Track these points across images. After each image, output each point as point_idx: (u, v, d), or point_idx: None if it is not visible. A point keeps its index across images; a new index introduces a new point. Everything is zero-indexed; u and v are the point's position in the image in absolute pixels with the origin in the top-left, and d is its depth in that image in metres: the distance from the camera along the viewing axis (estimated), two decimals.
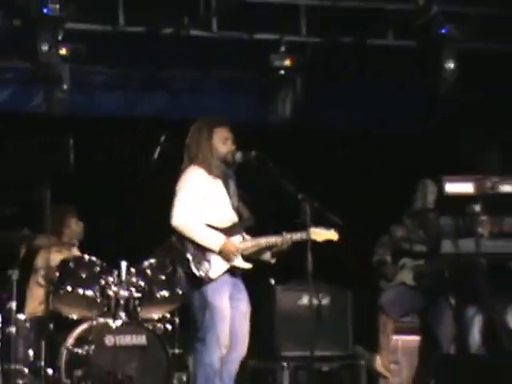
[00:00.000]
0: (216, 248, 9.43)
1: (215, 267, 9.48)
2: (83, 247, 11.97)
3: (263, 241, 9.64)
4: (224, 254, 9.44)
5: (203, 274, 9.45)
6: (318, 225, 9.52)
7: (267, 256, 9.71)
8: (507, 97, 11.74)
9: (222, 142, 9.63)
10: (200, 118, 9.86)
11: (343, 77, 12.81)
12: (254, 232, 9.65)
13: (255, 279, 9.95)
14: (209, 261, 9.49)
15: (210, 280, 9.45)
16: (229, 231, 9.57)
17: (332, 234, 9.56)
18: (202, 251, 9.50)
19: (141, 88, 13.09)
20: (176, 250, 10.01)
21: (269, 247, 9.66)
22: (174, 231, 9.62)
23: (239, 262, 9.56)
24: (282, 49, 12.01)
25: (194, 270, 9.50)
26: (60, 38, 10.66)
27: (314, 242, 9.47)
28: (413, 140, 11.82)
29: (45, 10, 10.31)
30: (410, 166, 11.27)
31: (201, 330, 9.52)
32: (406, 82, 11.77)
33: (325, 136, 12.72)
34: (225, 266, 9.50)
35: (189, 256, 9.44)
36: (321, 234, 9.52)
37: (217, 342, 9.37)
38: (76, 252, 11.83)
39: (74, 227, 11.99)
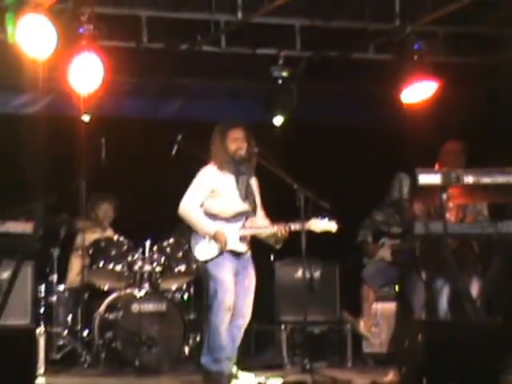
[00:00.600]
0: (209, 235, 9.42)
1: (211, 249, 9.49)
2: (115, 228, 12.02)
3: (261, 229, 9.63)
4: (216, 240, 9.41)
5: (199, 254, 9.54)
6: (314, 213, 9.53)
7: (272, 242, 9.66)
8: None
9: (233, 141, 9.57)
10: (219, 123, 9.79)
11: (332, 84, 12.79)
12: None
13: (258, 257, 9.90)
14: (203, 243, 9.52)
15: (206, 261, 9.49)
16: (231, 219, 9.53)
17: (331, 226, 9.55)
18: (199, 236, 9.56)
19: (161, 94, 13.10)
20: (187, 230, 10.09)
21: (270, 235, 9.62)
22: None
23: (235, 246, 9.50)
24: (280, 62, 11.97)
25: (195, 250, 9.57)
26: None
27: (312, 233, 9.53)
28: (387, 140, 11.73)
29: (80, 30, 10.18)
30: (388, 162, 11.20)
31: (208, 298, 9.52)
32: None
33: (317, 133, 12.70)
34: (218, 249, 9.45)
35: (192, 239, 9.57)
36: (320, 225, 9.53)
37: (219, 307, 9.38)
38: (108, 233, 11.89)
39: (106, 212, 12.08)
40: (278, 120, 12.35)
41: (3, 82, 12.31)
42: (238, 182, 9.64)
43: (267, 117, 12.25)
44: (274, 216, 9.78)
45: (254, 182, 9.80)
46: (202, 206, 9.57)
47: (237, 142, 9.59)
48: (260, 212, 9.82)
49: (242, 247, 9.57)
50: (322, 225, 9.55)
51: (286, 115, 12.33)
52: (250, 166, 9.72)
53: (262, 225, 9.71)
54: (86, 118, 11.76)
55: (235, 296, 9.45)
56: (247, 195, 9.68)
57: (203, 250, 9.46)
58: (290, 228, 9.53)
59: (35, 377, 7.94)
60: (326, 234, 9.66)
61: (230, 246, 9.47)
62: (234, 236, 9.51)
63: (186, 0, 11.02)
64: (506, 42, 11.88)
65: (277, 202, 9.84)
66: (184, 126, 11.13)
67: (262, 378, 9.59)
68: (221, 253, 9.45)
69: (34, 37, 9.79)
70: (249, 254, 9.70)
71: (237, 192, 9.62)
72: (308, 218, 9.52)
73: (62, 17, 10.06)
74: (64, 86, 10.77)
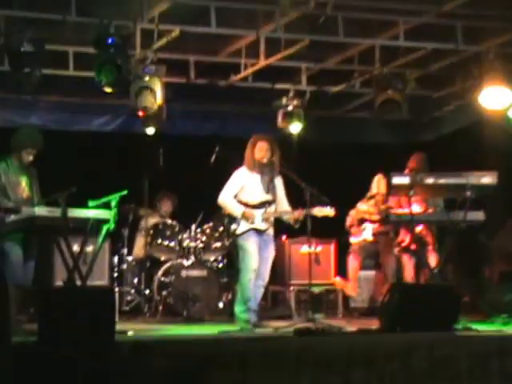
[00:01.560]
0: (239, 215, 9.58)
1: (242, 227, 9.61)
2: (170, 214, 12.09)
3: (281, 214, 9.81)
4: (244, 218, 9.56)
5: (233, 230, 9.69)
6: (318, 204, 9.66)
7: (292, 223, 9.80)
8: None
9: (259, 151, 9.72)
10: (253, 136, 9.89)
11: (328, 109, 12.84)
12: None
13: (275, 236, 10.06)
14: (238, 223, 9.65)
15: (239, 234, 9.63)
16: (257, 206, 9.67)
17: (330, 212, 9.68)
18: (234, 218, 9.70)
19: (204, 117, 13.13)
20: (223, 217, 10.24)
21: (289, 218, 9.78)
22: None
23: (259, 225, 9.64)
24: (291, 93, 12.00)
25: (231, 228, 9.74)
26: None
27: (315, 217, 9.67)
28: (370, 150, 11.80)
29: (146, 70, 10.28)
30: (369, 166, 11.27)
31: (238, 263, 9.72)
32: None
33: (322, 145, 12.63)
34: (247, 226, 9.60)
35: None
36: (322, 211, 9.65)
37: (246, 269, 9.55)
38: (166, 219, 11.91)
39: (167, 206, 12.18)
40: (295, 127, 12.19)
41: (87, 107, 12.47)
42: (262, 179, 9.76)
43: (283, 132, 12.17)
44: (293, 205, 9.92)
45: (278, 181, 9.90)
46: (235, 196, 9.71)
47: (261, 151, 9.71)
48: (283, 201, 9.91)
49: (264, 226, 9.68)
50: (324, 211, 9.67)
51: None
52: (273, 168, 9.80)
53: (282, 210, 9.83)
54: (150, 130, 11.80)
55: (258, 263, 9.60)
56: (269, 189, 9.78)
57: (236, 227, 9.67)
58: (301, 213, 9.72)
59: (114, 322, 8.05)
60: (325, 218, 9.71)
61: (255, 225, 9.63)
62: (259, 218, 9.66)
63: (222, 47, 11.03)
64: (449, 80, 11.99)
65: (291, 196, 9.96)
66: (220, 141, 11.27)
67: None
68: (248, 230, 9.60)
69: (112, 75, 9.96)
70: (270, 232, 9.80)
71: (261, 186, 9.75)
72: (314, 206, 9.63)
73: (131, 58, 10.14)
74: (131, 109, 10.80)
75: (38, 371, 7.03)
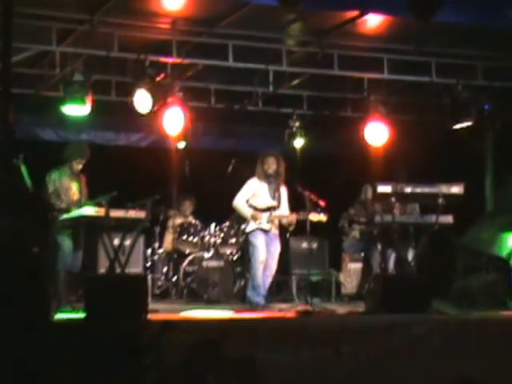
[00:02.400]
0: (248, 216, 9.61)
1: (250, 226, 9.65)
2: (194, 216, 12.02)
3: (282, 217, 9.80)
4: (252, 219, 9.58)
5: (243, 228, 9.78)
6: (314, 211, 9.63)
7: (286, 225, 9.89)
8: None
9: (267, 164, 9.73)
10: (261, 152, 9.94)
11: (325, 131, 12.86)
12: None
13: (281, 235, 10.07)
14: (248, 223, 9.68)
15: (248, 232, 9.67)
16: (264, 209, 9.68)
17: (323, 218, 9.66)
18: (245, 219, 9.74)
19: (222, 135, 13.09)
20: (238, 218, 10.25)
21: (286, 221, 9.79)
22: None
23: (264, 225, 9.65)
24: (295, 117, 11.97)
25: (242, 227, 9.74)
26: None
27: (311, 221, 9.65)
28: (359, 165, 11.77)
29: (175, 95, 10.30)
30: (358, 178, 11.24)
31: (249, 256, 9.74)
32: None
33: (317, 159, 12.68)
34: (255, 226, 9.62)
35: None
36: (316, 217, 9.62)
37: (256, 261, 9.56)
38: (189, 219, 11.87)
39: (188, 207, 12.07)
40: (298, 143, 12.15)
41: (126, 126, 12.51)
42: (269, 188, 9.76)
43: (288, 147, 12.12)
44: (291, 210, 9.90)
45: (283, 190, 9.89)
46: (247, 201, 9.71)
47: (269, 164, 9.73)
48: (284, 207, 9.88)
49: (268, 226, 9.68)
50: (318, 217, 9.65)
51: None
52: (279, 179, 9.80)
53: (280, 214, 9.80)
54: (181, 144, 11.66)
55: (266, 257, 9.61)
56: (275, 196, 9.77)
57: (246, 227, 9.68)
58: (298, 217, 9.73)
59: (147, 303, 8.09)
60: (320, 222, 9.76)
61: (262, 226, 9.63)
62: (264, 219, 9.66)
63: (238, 78, 11.03)
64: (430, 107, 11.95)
65: (292, 202, 9.96)
66: (235, 155, 11.27)
67: None
68: (256, 229, 9.61)
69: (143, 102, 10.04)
70: (275, 232, 9.78)
71: (268, 194, 9.76)
72: (309, 212, 9.58)
73: (162, 87, 10.16)
74: (162, 129, 10.85)
75: (84, 343, 7.07)
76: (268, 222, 9.68)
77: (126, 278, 8.61)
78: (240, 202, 9.75)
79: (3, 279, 5.39)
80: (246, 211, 9.68)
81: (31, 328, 5.73)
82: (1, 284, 5.37)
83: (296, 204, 9.83)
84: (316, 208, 9.65)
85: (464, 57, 10.49)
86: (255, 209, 9.68)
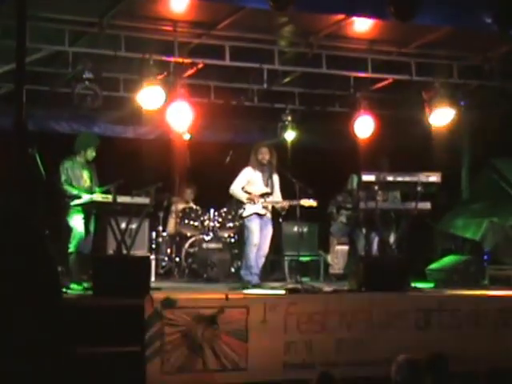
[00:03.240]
0: (244, 200, 9.58)
1: (247, 211, 9.60)
2: (194, 202, 11.95)
3: (276, 203, 9.74)
4: (248, 201, 9.54)
5: (240, 213, 9.69)
6: (305, 197, 9.64)
7: (280, 210, 9.81)
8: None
9: (261, 154, 9.70)
10: (255, 143, 9.92)
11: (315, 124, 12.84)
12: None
13: (274, 219, 10.06)
14: (244, 208, 9.64)
15: (244, 217, 9.61)
16: (258, 196, 9.63)
17: (313, 203, 9.63)
18: (241, 204, 9.68)
19: (220, 128, 12.91)
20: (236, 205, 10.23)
21: (279, 206, 9.77)
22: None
23: (260, 210, 9.60)
24: (287, 111, 11.97)
25: (239, 212, 9.72)
26: None
27: (302, 206, 9.65)
28: (347, 156, 11.72)
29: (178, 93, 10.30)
30: (345, 168, 11.23)
31: (244, 238, 9.72)
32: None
33: (306, 151, 12.54)
34: (251, 210, 9.57)
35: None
36: (307, 202, 9.60)
37: (250, 243, 9.53)
38: (190, 204, 11.80)
39: (189, 193, 11.97)
40: (290, 136, 12.12)
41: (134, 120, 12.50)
42: (262, 176, 9.73)
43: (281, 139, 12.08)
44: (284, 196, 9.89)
45: (275, 178, 9.85)
46: (242, 188, 9.69)
47: (262, 154, 9.71)
48: (277, 194, 9.84)
49: (263, 211, 9.64)
50: (308, 202, 9.63)
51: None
52: (271, 168, 9.77)
53: (274, 200, 9.78)
54: (187, 136, 11.59)
55: (260, 239, 9.58)
56: (267, 184, 9.74)
57: (243, 211, 9.65)
58: (290, 203, 9.71)
59: (150, 281, 8.10)
60: (311, 207, 9.74)
61: (256, 210, 9.58)
62: (259, 205, 9.63)
63: (235, 76, 10.95)
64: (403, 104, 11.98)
65: (284, 189, 9.97)
66: (233, 147, 11.29)
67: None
68: (252, 214, 9.56)
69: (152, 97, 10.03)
70: (268, 216, 9.74)
71: (261, 181, 9.71)
72: (300, 198, 9.60)
73: (167, 84, 10.12)
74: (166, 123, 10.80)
75: (93, 316, 7.13)
76: (262, 208, 9.64)
77: (132, 259, 8.57)
78: (236, 188, 9.72)
79: (17, 258, 5.36)
80: (242, 195, 9.66)
81: (44, 304, 5.72)
82: (14, 262, 5.34)
83: (288, 191, 9.80)
84: (306, 194, 9.64)
85: (441, 57, 10.48)
86: (250, 195, 9.66)
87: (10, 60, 9.16)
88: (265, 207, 9.69)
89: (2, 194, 7.20)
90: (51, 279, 5.99)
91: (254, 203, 9.60)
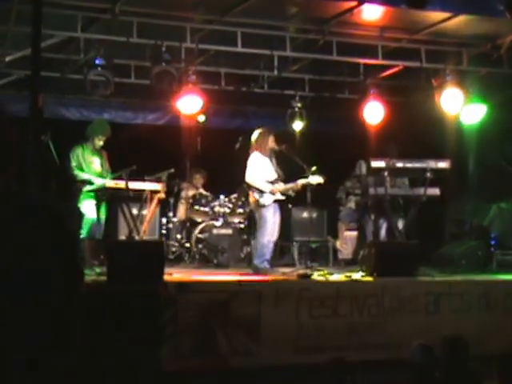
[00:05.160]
0: (267, 191, 9.42)
1: (266, 199, 9.44)
2: (204, 188, 11.89)
3: (288, 186, 9.68)
4: (272, 193, 9.41)
5: (263, 203, 9.51)
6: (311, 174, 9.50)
7: (290, 192, 9.68)
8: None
9: (272, 141, 9.64)
10: (263, 128, 9.80)
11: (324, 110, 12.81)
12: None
13: (284, 204, 10.03)
14: (263, 196, 9.45)
15: (264, 205, 9.45)
16: (272, 182, 9.51)
17: (321, 180, 9.43)
18: (261, 192, 9.50)
19: (231, 115, 13.03)
20: (246, 191, 10.14)
21: (291, 189, 9.73)
22: (244, 182, 9.69)
23: (279, 197, 9.52)
24: (297, 98, 12.00)
25: (260, 201, 9.64)
26: None
27: (311, 185, 9.55)
28: (356, 142, 11.73)
29: (189, 79, 10.29)
30: (354, 154, 11.21)
31: (258, 226, 9.57)
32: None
33: (317, 137, 12.44)
34: (271, 199, 9.44)
35: (255, 194, 9.55)
36: (314, 180, 9.43)
37: (266, 233, 9.41)
38: (200, 190, 11.73)
39: (199, 180, 11.92)
40: (298, 126, 12.18)
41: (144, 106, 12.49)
42: (271, 162, 9.64)
43: (290, 126, 12.13)
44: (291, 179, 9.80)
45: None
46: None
47: (273, 141, 9.62)
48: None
49: (282, 197, 9.56)
50: (315, 179, 9.45)
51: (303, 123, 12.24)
52: (275, 154, 9.66)
53: (291, 185, 9.58)
54: (201, 118, 11.60)
55: (272, 225, 9.47)
56: (276, 169, 9.69)
57: (264, 200, 9.52)
58: (300, 183, 9.57)
59: (163, 267, 8.11)
60: (321, 191, 9.66)
61: (276, 197, 9.48)
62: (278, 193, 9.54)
63: (246, 62, 10.97)
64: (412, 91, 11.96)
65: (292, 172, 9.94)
66: (243, 133, 11.18)
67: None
68: (271, 203, 9.41)
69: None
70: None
71: (272, 168, 9.62)
72: (307, 177, 9.45)
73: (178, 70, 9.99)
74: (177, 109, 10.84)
75: (107, 303, 7.12)
76: (282, 194, 9.57)
77: (145, 244, 8.60)
78: (254, 178, 9.49)
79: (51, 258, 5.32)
80: (264, 186, 9.45)
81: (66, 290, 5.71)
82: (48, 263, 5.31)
83: (294, 173, 9.74)
84: (313, 172, 9.54)
85: (451, 44, 10.45)
86: (264, 182, 9.55)
87: (21, 47, 9.22)
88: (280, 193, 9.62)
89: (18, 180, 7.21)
90: (78, 282, 6.02)
91: (276, 195, 9.50)
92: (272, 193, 9.43)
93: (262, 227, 9.45)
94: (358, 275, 8.78)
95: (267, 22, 9.53)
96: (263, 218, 9.46)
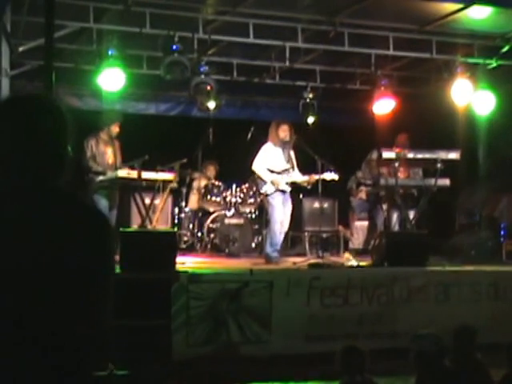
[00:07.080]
0: (268, 181, 9.51)
1: (270, 188, 9.53)
2: (216, 178, 11.86)
3: (299, 179, 9.73)
4: (273, 183, 9.48)
5: (264, 191, 9.61)
6: (327, 171, 9.63)
7: (306, 185, 9.78)
8: None
9: (282, 131, 9.65)
10: (274, 120, 9.85)
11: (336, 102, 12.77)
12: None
13: (295, 195, 10.06)
14: (268, 186, 9.54)
15: (267, 194, 9.55)
16: (280, 172, 9.60)
17: (335, 176, 9.61)
18: (265, 181, 9.58)
19: (243, 106, 13.05)
20: (256, 180, 10.17)
21: (303, 182, 9.75)
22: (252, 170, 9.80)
23: (283, 187, 9.57)
24: (308, 89, 11.94)
25: (262, 189, 9.69)
26: None
27: (325, 180, 9.63)
28: (367, 133, 11.68)
29: (201, 69, 10.33)
30: (365, 145, 11.18)
31: (268, 215, 9.67)
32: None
33: (329, 128, 12.45)
34: (273, 188, 9.52)
35: (258, 182, 9.58)
36: (329, 176, 9.56)
37: (275, 221, 9.48)
38: (213, 180, 11.67)
39: (211, 170, 11.91)
40: (311, 120, 12.15)
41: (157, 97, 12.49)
42: (283, 152, 9.70)
43: (302, 118, 12.04)
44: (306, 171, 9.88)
45: (292, 153, 9.84)
46: (265, 166, 9.67)
47: (284, 131, 9.67)
48: (296, 170, 9.82)
49: (286, 188, 9.65)
50: (331, 175, 9.59)
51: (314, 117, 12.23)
52: (290, 144, 9.74)
53: (303, 178, 9.72)
54: (212, 104, 11.53)
55: (281, 215, 9.56)
56: (288, 160, 9.73)
57: (267, 189, 9.62)
58: (314, 177, 9.67)
59: (176, 256, 8.13)
60: (332, 182, 9.71)
61: (280, 187, 9.58)
62: (282, 181, 9.64)
63: (258, 53, 10.96)
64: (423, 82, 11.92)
65: (307, 165, 9.94)
66: (254, 124, 11.22)
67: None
68: (275, 190, 9.53)
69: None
70: (288, 192, 9.74)
71: (283, 158, 9.68)
72: (323, 172, 9.55)
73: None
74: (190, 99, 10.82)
75: (120, 290, 7.13)
76: (286, 184, 9.62)
77: (157, 233, 8.63)
78: (260, 166, 9.63)
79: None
80: (267, 176, 9.57)
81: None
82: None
83: (310, 168, 9.77)
84: (328, 169, 9.62)
85: (462, 36, 10.40)
86: (272, 172, 9.61)
87: (33, 37, 9.22)
88: (287, 183, 9.67)
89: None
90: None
91: (278, 186, 9.54)
92: (274, 184, 9.48)
93: (271, 215, 9.57)
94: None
95: (279, 13, 9.52)
96: (271, 206, 9.58)
